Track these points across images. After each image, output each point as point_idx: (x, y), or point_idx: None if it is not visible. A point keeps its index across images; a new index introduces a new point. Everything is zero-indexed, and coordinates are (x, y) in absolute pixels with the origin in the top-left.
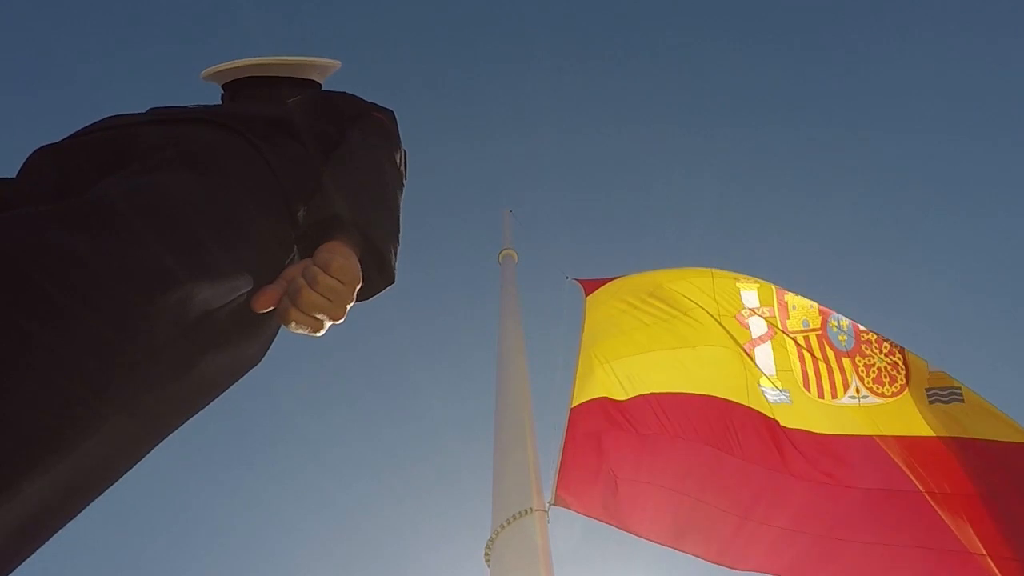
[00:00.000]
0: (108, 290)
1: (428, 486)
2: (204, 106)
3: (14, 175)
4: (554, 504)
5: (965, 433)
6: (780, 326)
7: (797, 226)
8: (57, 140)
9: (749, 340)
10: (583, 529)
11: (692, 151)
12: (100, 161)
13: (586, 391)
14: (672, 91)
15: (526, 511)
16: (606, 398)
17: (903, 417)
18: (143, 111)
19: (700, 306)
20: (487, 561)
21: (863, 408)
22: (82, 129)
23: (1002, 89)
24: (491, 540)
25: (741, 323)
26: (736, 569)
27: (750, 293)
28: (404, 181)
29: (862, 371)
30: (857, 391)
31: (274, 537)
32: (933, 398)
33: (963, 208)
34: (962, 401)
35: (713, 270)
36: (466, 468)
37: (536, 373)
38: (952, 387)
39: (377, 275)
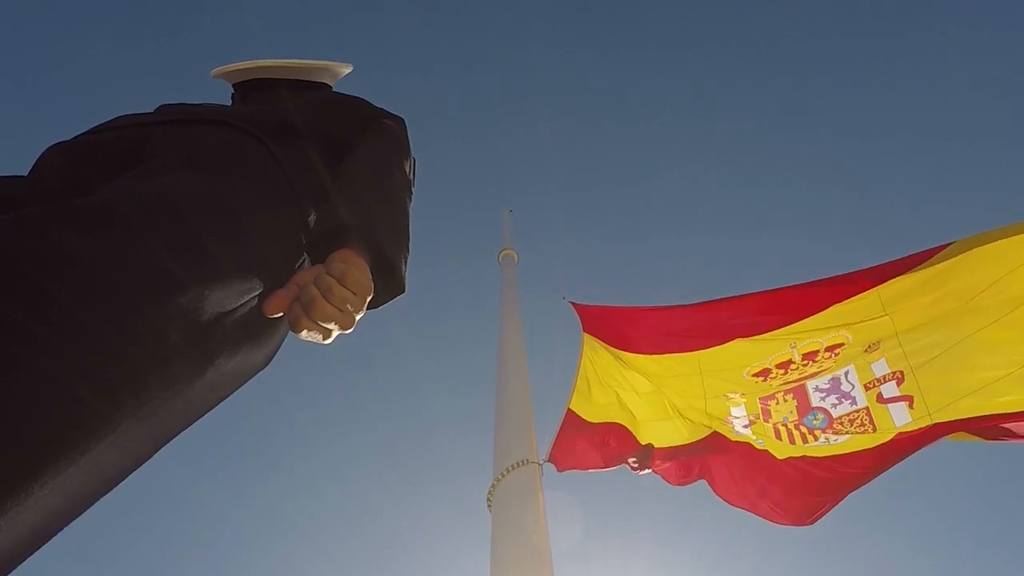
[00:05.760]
0: (107, 290)
1: (430, 470)
2: (216, 106)
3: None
4: (547, 461)
5: None
6: (761, 418)
7: (800, 223)
8: (69, 138)
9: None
10: (583, 529)
11: (695, 149)
12: (111, 161)
13: (584, 409)
14: (674, 88)
15: (523, 461)
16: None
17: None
18: (153, 109)
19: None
20: (489, 506)
21: (835, 446)
22: (94, 127)
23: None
24: (492, 487)
25: (728, 424)
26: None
27: (738, 408)
28: (413, 189)
29: (830, 430)
30: (827, 439)
31: (277, 518)
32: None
33: (967, 211)
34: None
35: (703, 374)
36: (466, 453)
37: (535, 370)
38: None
39: (387, 285)
